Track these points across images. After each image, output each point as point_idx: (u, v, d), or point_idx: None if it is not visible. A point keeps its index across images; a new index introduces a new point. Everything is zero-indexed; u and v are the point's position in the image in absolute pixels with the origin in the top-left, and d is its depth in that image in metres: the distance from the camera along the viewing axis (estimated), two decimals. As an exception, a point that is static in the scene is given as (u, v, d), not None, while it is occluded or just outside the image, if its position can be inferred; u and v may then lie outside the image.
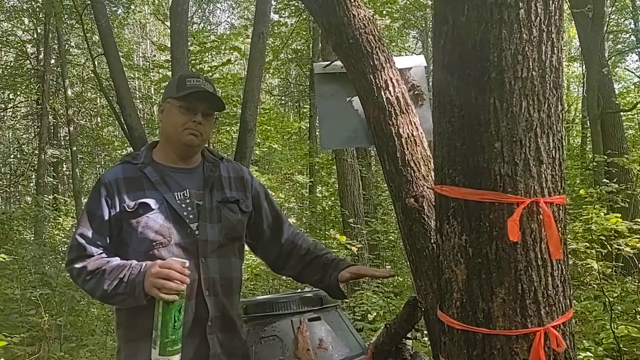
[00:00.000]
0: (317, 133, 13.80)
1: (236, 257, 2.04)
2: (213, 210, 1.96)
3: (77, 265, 1.86)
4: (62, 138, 18.83)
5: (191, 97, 1.93)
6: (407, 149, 2.26)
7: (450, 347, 1.66)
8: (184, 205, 1.92)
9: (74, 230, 1.95)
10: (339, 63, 2.58)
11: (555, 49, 1.57)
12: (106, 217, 1.88)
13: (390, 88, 2.34)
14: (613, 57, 15.06)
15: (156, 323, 1.72)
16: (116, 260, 1.85)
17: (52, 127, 17.69)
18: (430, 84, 1.93)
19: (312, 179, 14.04)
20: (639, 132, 13.25)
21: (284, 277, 10.70)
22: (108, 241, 1.89)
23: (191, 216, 1.92)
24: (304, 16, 12.00)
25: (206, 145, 2.12)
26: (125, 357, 1.91)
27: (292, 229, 2.21)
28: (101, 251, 1.88)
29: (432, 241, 2.10)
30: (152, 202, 1.88)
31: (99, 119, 19.21)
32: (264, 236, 2.16)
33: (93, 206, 1.91)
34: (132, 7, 14.80)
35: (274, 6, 11.46)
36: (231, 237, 1.99)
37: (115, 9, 14.42)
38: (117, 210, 1.88)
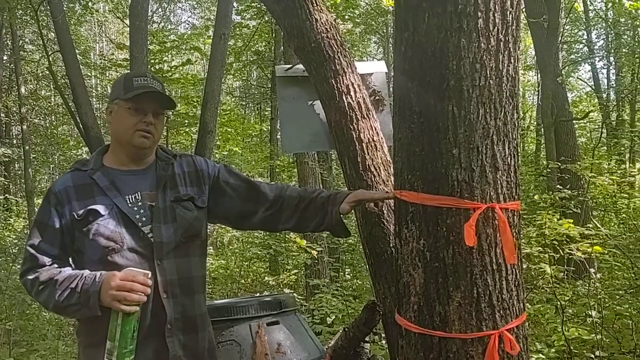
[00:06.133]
0: (278, 136, 13.77)
1: (196, 255, 1.99)
2: (167, 210, 1.92)
3: (30, 277, 1.84)
4: (14, 136, 18.25)
5: (140, 98, 1.90)
6: (368, 154, 2.28)
7: (407, 351, 1.68)
8: (135, 209, 1.89)
9: (25, 241, 1.92)
10: (301, 66, 2.57)
11: (512, 58, 1.61)
12: (57, 226, 1.85)
13: (352, 93, 2.35)
14: (567, 67, 15.52)
15: (113, 334, 1.69)
16: (68, 270, 1.82)
17: (4, 125, 17.15)
18: (391, 89, 1.94)
19: (272, 182, 13.99)
20: (590, 140, 13.70)
21: (242, 281, 10.65)
22: (60, 250, 1.87)
23: (144, 219, 1.89)
24: (266, 18, 11.95)
25: (160, 144, 2.08)
26: None
27: (273, 185, 2.13)
28: (52, 260, 1.84)
29: (391, 245, 2.12)
30: (101, 208, 1.85)
31: (53, 117, 18.69)
32: (245, 208, 2.08)
33: (43, 216, 1.88)
34: (90, 3, 14.44)
35: (235, 8, 11.39)
36: (188, 235, 1.94)
37: (72, 5, 14.04)
38: (67, 219, 1.86)
